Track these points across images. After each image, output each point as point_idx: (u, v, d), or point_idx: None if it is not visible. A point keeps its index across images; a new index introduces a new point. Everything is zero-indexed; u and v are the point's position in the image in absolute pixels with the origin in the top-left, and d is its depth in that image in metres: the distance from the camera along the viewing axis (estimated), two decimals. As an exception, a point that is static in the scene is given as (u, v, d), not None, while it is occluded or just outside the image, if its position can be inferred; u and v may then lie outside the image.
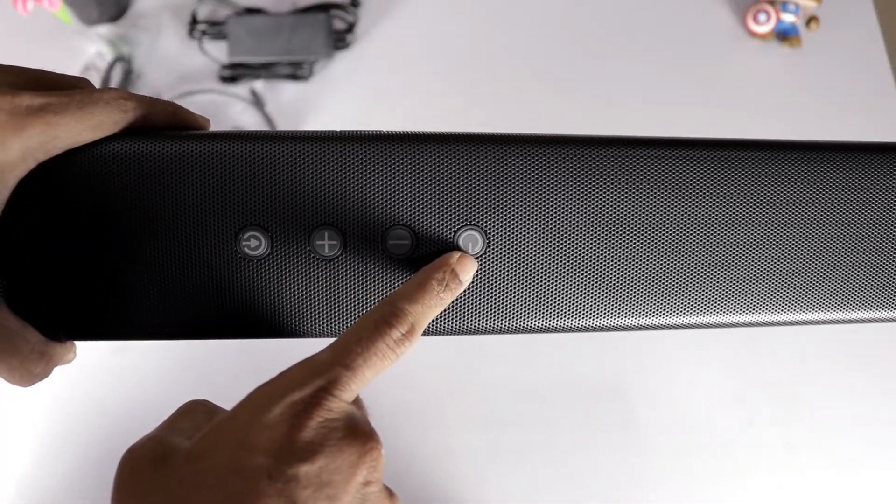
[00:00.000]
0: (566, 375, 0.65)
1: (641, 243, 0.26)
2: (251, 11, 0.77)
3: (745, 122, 0.74)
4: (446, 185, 0.26)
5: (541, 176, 0.26)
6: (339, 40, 0.76)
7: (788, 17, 0.74)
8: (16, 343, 0.24)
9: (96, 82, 0.75)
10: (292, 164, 0.25)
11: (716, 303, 0.27)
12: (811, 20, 0.76)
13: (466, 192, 0.26)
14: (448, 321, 0.27)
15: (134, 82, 0.76)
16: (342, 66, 0.77)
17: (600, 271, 0.26)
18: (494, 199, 0.26)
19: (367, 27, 0.78)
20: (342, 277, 0.26)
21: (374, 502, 0.22)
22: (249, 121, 0.75)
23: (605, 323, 0.27)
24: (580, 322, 0.27)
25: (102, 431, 0.63)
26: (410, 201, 0.25)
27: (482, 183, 0.26)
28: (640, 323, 0.27)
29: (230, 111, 0.75)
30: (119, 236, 0.25)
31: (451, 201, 0.26)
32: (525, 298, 0.27)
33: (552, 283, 0.26)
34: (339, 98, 0.76)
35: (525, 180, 0.26)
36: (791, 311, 0.27)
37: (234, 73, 0.76)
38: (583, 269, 0.26)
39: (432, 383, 0.64)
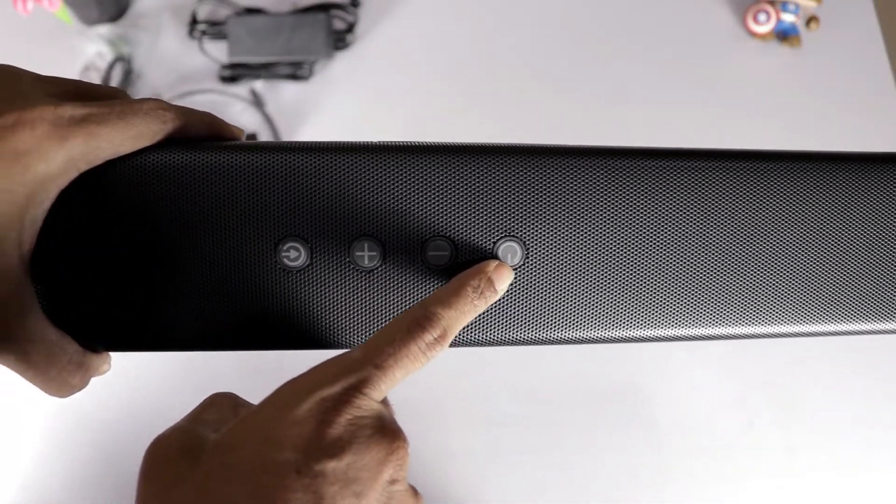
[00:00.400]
0: (566, 376, 0.65)
1: (678, 254, 0.26)
2: (251, 11, 0.77)
3: (745, 122, 0.74)
4: (486, 196, 0.26)
5: (579, 187, 0.26)
6: (339, 40, 0.76)
7: (788, 17, 0.74)
8: (54, 353, 0.24)
9: (96, 82, 0.75)
10: (332, 175, 0.25)
11: (762, 313, 0.27)
12: (811, 20, 0.76)
13: (506, 203, 0.26)
14: (484, 331, 0.27)
15: (134, 82, 0.76)
16: (342, 66, 0.77)
17: (636, 282, 0.26)
18: (534, 210, 0.26)
19: (367, 27, 0.78)
20: (382, 288, 0.26)
21: (400, 500, 0.22)
22: (249, 121, 0.75)
23: (641, 334, 0.27)
24: (616, 333, 0.27)
25: (104, 432, 0.63)
26: (450, 212, 0.26)
27: (522, 194, 0.26)
28: (675, 334, 0.27)
29: (230, 111, 0.75)
30: (158, 248, 0.25)
31: (490, 212, 0.26)
32: (562, 309, 0.27)
33: (590, 294, 0.26)
34: (339, 98, 0.76)
35: (563, 192, 0.26)
36: (827, 322, 0.27)
37: (234, 73, 0.76)
38: (620, 280, 0.26)
39: (433, 383, 0.64)
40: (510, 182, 0.26)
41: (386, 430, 0.22)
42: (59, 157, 0.22)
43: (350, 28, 0.77)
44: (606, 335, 0.27)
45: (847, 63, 0.76)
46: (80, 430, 0.63)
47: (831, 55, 0.76)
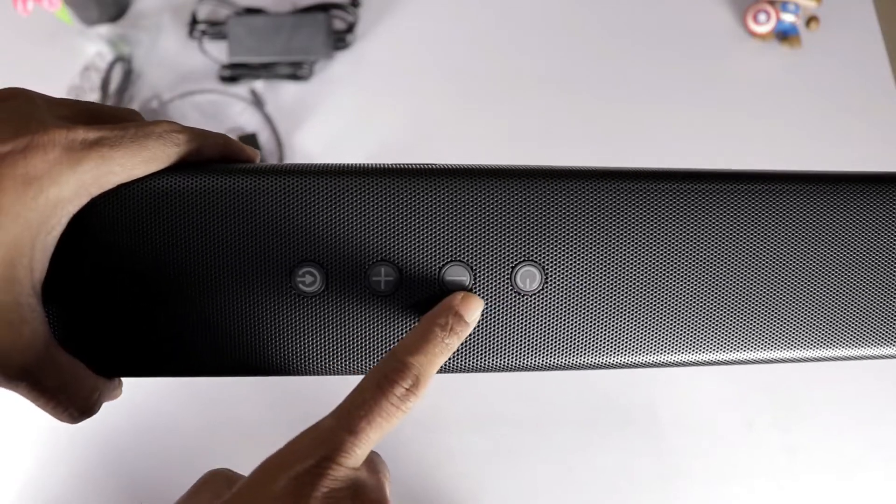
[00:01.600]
0: (566, 377, 0.65)
1: (701, 278, 0.26)
2: (251, 11, 0.77)
3: (745, 122, 0.74)
4: (506, 220, 0.25)
5: (600, 211, 0.25)
6: (339, 40, 0.76)
7: (788, 17, 0.74)
8: (66, 380, 0.24)
9: (96, 82, 0.75)
10: (350, 199, 0.25)
11: (793, 338, 0.27)
12: (811, 20, 0.76)
13: (526, 227, 0.25)
14: (498, 358, 0.26)
15: (134, 82, 0.76)
16: (342, 66, 0.77)
17: (654, 306, 0.26)
18: (553, 234, 0.25)
19: (367, 27, 0.78)
20: (398, 314, 0.26)
21: None
22: (249, 121, 0.75)
23: (661, 359, 0.27)
24: (637, 359, 0.26)
25: (105, 433, 0.63)
26: (468, 237, 0.25)
27: (542, 218, 0.25)
28: (699, 359, 0.27)
29: (230, 111, 0.75)
30: (171, 273, 0.25)
31: (510, 237, 0.25)
32: (582, 334, 0.26)
33: (609, 319, 0.26)
34: (339, 98, 0.76)
35: (584, 216, 0.25)
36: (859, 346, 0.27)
37: (234, 73, 0.76)
38: (639, 305, 0.26)
39: (432, 383, 0.64)
40: (530, 206, 0.25)
41: (365, 499, 0.22)
42: (71, 181, 0.22)
43: (350, 28, 0.77)
44: (626, 360, 0.26)
45: (847, 63, 0.76)
46: (81, 430, 0.63)
47: (831, 55, 0.76)
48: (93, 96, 0.75)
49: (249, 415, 0.63)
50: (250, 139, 0.73)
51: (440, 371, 0.26)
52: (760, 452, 0.63)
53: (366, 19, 0.78)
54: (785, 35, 0.75)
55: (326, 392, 0.68)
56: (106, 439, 0.63)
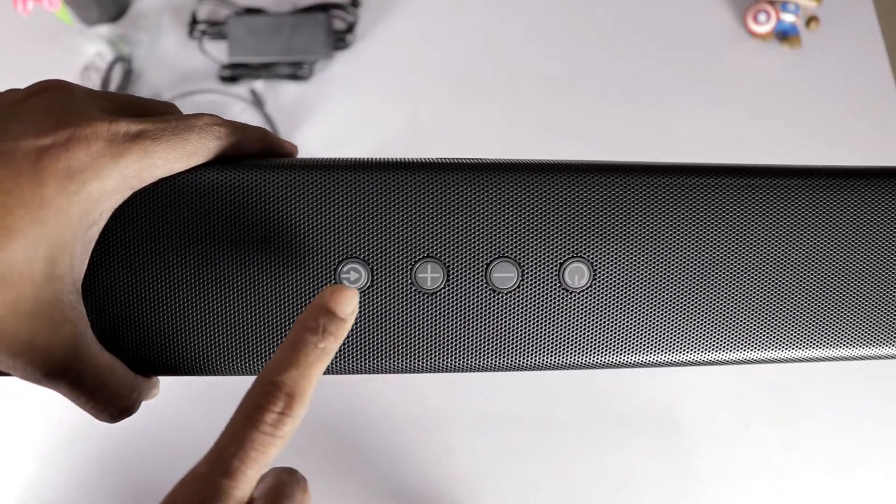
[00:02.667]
0: (566, 376, 0.65)
1: (748, 276, 0.26)
2: (251, 11, 0.77)
3: (745, 122, 0.74)
4: (555, 215, 0.25)
5: (650, 207, 0.25)
6: (339, 40, 0.76)
7: (788, 17, 0.74)
8: (105, 378, 0.23)
9: (96, 82, 0.75)
10: (395, 194, 0.24)
11: (845, 336, 0.26)
12: (811, 20, 0.76)
13: (574, 223, 0.25)
14: (542, 355, 0.25)
15: (134, 82, 0.76)
16: (342, 66, 0.77)
17: (703, 303, 0.26)
18: (603, 230, 0.25)
19: (367, 27, 0.78)
20: (444, 311, 0.25)
21: None
22: (249, 121, 0.75)
23: (709, 357, 0.26)
24: (685, 357, 0.26)
25: (106, 433, 0.63)
26: (517, 232, 0.25)
27: (591, 214, 0.25)
28: (743, 357, 0.26)
29: (230, 111, 0.75)
30: (212, 269, 0.24)
31: (558, 233, 0.25)
32: (632, 332, 0.25)
33: (659, 316, 0.25)
34: (339, 98, 0.76)
35: (634, 211, 0.25)
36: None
37: (234, 73, 0.76)
38: (688, 301, 0.25)
39: (433, 383, 0.64)
40: (580, 201, 0.25)
41: None
42: (113, 175, 0.21)
43: (350, 28, 0.77)
44: (672, 359, 0.26)
45: (847, 63, 0.76)
46: (81, 430, 0.64)
47: (831, 55, 0.76)
48: (93, 96, 0.74)
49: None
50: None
51: (475, 370, 0.25)
52: (759, 451, 0.63)
53: (366, 19, 0.78)
54: (785, 35, 0.75)
55: (326, 393, 0.68)
56: (106, 439, 0.63)
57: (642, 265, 0.25)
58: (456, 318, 0.25)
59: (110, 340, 0.24)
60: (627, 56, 0.77)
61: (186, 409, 0.61)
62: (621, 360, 0.26)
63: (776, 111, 0.74)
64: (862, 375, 0.65)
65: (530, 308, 0.25)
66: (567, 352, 0.26)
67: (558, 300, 0.25)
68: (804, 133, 0.74)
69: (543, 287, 0.25)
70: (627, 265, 0.25)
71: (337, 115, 0.75)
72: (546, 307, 0.25)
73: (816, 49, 0.76)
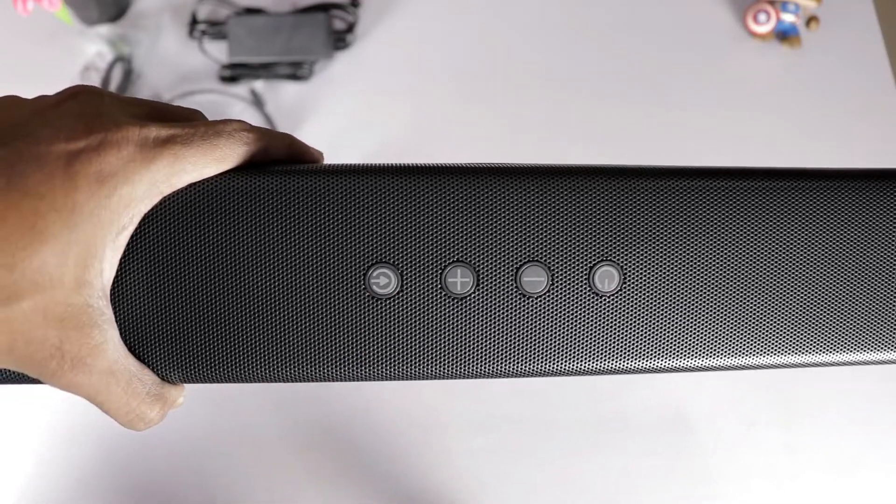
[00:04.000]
0: (566, 377, 0.65)
1: (775, 279, 0.25)
2: (251, 11, 0.77)
3: (745, 122, 0.74)
4: (584, 219, 0.25)
5: (680, 211, 0.25)
6: (339, 40, 0.76)
7: (788, 17, 0.74)
8: (133, 385, 0.23)
9: (96, 82, 0.74)
10: (425, 198, 0.24)
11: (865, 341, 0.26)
12: (811, 20, 0.76)
13: (604, 226, 0.25)
14: (575, 361, 0.25)
15: (134, 82, 0.76)
16: (342, 66, 0.77)
17: (731, 308, 0.25)
18: (633, 234, 0.25)
19: (367, 27, 0.78)
20: (474, 317, 0.25)
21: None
22: (249, 121, 0.75)
23: (727, 363, 0.26)
24: (705, 363, 0.26)
25: (106, 432, 0.63)
26: (547, 237, 0.25)
27: (621, 218, 0.25)
28: (769, 362, 0.26)
29: (230, 111, 0.75)
30: (240, 275, 0.24)
31: (588, 237, 0.25)
32: (662, 336, 0.25)
33: (689, 320, 0.25)
34: (339, 98, 0.76)
35: (665, 215, 0.25)
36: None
37: (234, 73, 0.76)
38: (717, 306, 0.25)
39: (432, 384, 0.64)
40: (611, 205, 0.25)
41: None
42: (144, 179, 0.21)
43: (350, 28, 0.77)
44: (703, 364, 0.26)
45: (847, 63, 0.76)
46: (81, 430, 0.63)
47: (831, 55, 0.76)
48: (93, 96, 0.75)
49: (251, 416, 0.63)
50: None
51: (505, 376, 0.25)
52: (761, 452, 0.63)
53: (366, 19, 0.78)
54: (785, 35, 0.75)
55: (326, 394, 0.68)
56: (106, 439, 0.63)
57: (669, 269, 0.25)
58: (485, 323, 0.25)
59: (138, 347, 0.24)
60: (627, 56, 0.77)
61: (186, 410, 0.61)
62: (644, 366, 0.26)
63: (776, 111, 0.74)
64: (864, 376, 0.65)
65: (561, 312, 0.25)
66: (592, 356, 0.25)
67: (587, 304, 0.25)
68: (804, 133, 0.74)
69: (574, 291, 0.25)
70: (656, 269, 0.25)
71: (337, 115, 0.75)
72: (577, 311, 0.25)
73: (816, 49, 0.76)
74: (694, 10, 0.78)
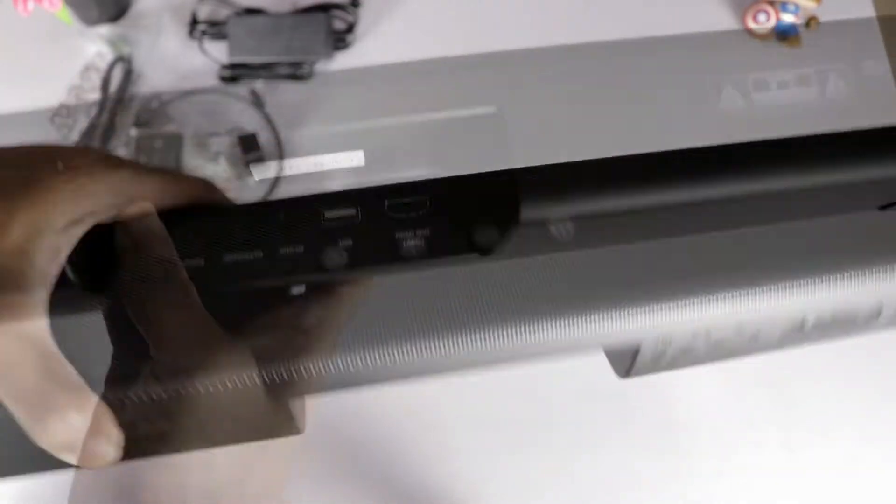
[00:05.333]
0: (566, 376, 0.65)
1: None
2: (251, 11, 0.77)
3: (744, 122, 0.74)
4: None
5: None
6: (339, 40, 0.76)
7: (788, 17, 0.74)
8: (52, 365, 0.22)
9: (96, 82, 0.75)
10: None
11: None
12: (811, 20, 0.76)
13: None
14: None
15: (134, 82, 0.76)
16: (342, 67, 0.77)
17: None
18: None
19: (367, 27, 0.78)
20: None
21: None
22: (249, 121, 0.75)
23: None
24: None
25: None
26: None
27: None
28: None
29: (230, 111, 0.75)
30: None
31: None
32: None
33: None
34: (339, 98, 0.76)
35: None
36: None
37: (234, 73, 0.76)
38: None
39: (432, 383, 0.64)
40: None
41: None
42: (105, 179, 0.21)
43: (350, 28, 0.77)
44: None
45: (847, 63, 0.76)
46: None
47: (831, 55, 0.76)
48: (93, 96, 0.75)
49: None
50: (250, 139, 0.73)
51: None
52: (759, 449, 0.63)
53: (366, 19, 0.78)
54: (785, 35, 0.75)
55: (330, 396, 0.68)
56: (106, 439, 0.63)
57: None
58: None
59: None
60: (627, 56, 0.77)
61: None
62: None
63: (776, 111, 0.74)
64: (863, 376, 0.65)
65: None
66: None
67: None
68: (804, 133, 0.73)
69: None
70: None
71: (337, 115, 0.75)
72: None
73: (816, 49, 0.76)
74: (694, 10, 0.78)
